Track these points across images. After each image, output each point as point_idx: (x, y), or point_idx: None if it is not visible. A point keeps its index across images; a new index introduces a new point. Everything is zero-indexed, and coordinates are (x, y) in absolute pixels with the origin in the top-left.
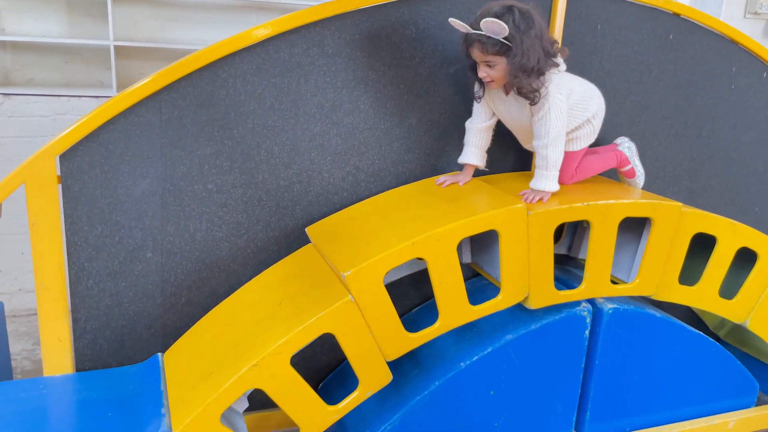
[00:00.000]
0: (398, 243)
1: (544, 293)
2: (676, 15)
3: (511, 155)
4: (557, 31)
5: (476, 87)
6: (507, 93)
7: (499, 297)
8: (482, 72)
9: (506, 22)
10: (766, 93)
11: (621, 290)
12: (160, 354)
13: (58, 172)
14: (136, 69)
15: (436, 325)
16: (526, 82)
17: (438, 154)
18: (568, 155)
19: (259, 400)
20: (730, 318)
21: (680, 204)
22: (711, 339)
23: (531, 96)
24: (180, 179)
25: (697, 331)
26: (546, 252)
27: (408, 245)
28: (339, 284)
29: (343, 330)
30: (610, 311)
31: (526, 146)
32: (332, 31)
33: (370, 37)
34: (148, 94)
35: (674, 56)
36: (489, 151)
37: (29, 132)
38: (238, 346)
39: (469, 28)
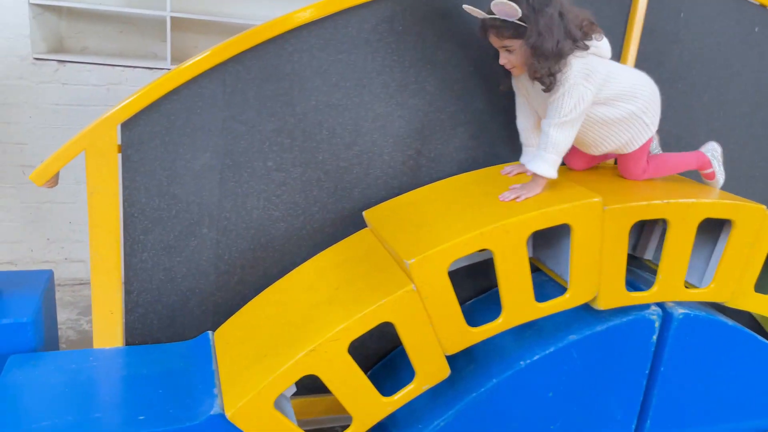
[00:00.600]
0: (465, 232)
1: (614, 294)
2: (764, 7)
3: None
4: (639, 16)
5: (502, 76)
6: (532, 79)
7: (567, 295)
8: (502, 59)
9: (519, 3)
10: None
11: (695, 295)
12: (210, 332)
13: (119, 141)
14: (191, 42)
15: (499, 320)
16: (540, 66)
17: (504, 142)
18: (627, 157)
19: (305, 386)
20: None
21: (764, 206)
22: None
23: (546, 81)
24: (240, 155)
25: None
26: (620, 250)
27: (476, 235)
28: (400, 272)
29: (403, 320)
30: (681, 316)
31: None
32: (404, 8)
33: (441, 14)
34: (212, 65)
35: (758, 51)
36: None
37: (83, 100)
38: (294, 329)
39: (483, 14)
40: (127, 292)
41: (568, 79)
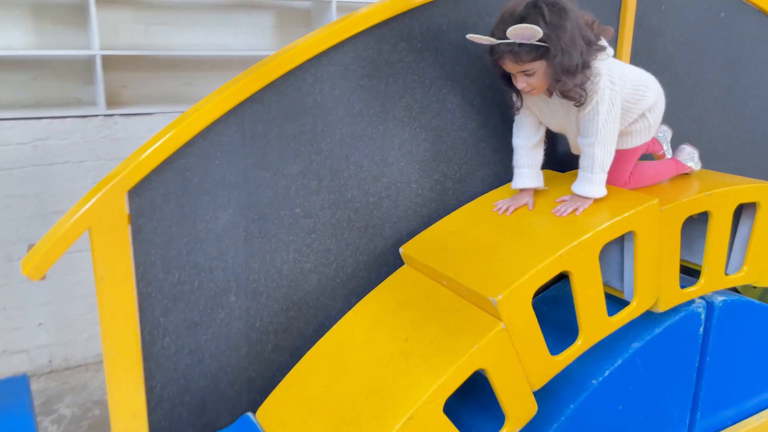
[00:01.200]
0: (541, 257)
1: (672, 294)
2: None
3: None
4: (630, 11)
5: (513, 98)
6: (550, 95)
7: (634, 303)
8: (521, 83)
9: (536, 23)
10: None
11: (734, 281)
12: (250, 413)
13: (128, 211)
14: (119, 82)
15: (578, 342)
16: (571, 83)
17: None
18: (620, 154)
19: None
20: None
21: None
22: None
23: (576, 95)
24: (265, 206)
25: None
26: (675, 249)
27: (555, 259)
28: (477, 310)
29: (496, 363)
30: (721, 304)
31: (576, 149)
32: (420, 23)
33: (457, 27)
34: (230, 108)
35: (726, 35)
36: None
37: (7, 163)
38: (372, 396)
39: (494, 40)
40: (149, 389)
41: (598, 87)
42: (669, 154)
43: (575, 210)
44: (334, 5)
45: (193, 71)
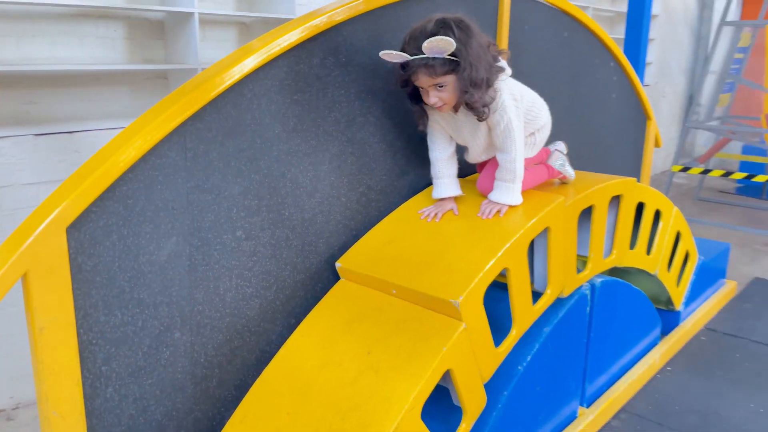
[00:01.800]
0: (485, 258)
1: (573, 279)
2: (569, 15)
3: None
4: (504, 32)
5: (418, 116)
6: (456, 111)
7: (549, 291)
8: (433, 98)
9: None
10: (612, 79)
11: (608, 263)
12: None
13: (68, 249)
14: None
15: (513, 332)
16: (477, 96)
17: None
18: None
19: None
20: (649, 270)
21: (633, 179)
22: (640, 290)
23: (482, 111)
24: (208, 230)
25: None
26: (575, 240)
27: (499, 258)
28: (434, 314)
29: (460, 362)
30: (600, 285)
31: (475, 160)
32: (345, 37)
33: (375, 42)
34: (172, 128)
35: (568, 52)
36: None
37: None
38: (349, 414)
39: (407, 56)
40: None
41: (504, 104)
42: (570, 173)
43: (498, 212)
44: (196, 16)
45: (36, 88)
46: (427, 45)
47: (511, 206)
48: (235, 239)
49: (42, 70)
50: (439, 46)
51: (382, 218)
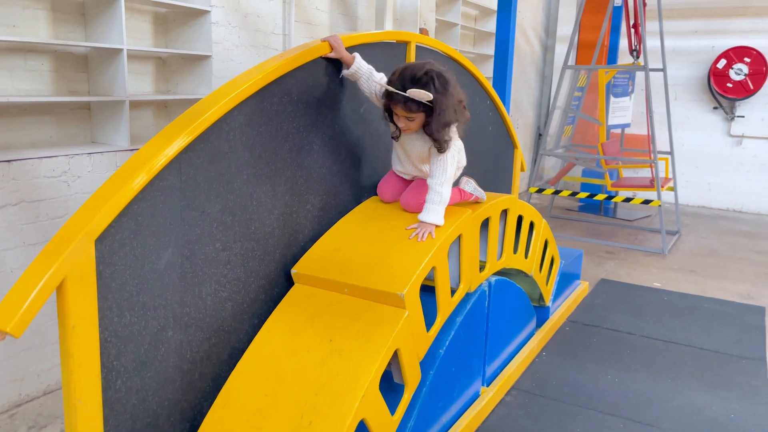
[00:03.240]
0: (419, 260)
1: (477, 276)
2: (455, 60)
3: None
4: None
5: (393, 128)
6: (434, 140)
7: (461, 286)
8: (402, 123)
9: (428, 88)
10: (489, 114)
11: (500, 264)
12: None
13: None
14: None
15: (438, 318)
16: (444, 134)
17: (358, 183)
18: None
19: None
20: (526, 270)
21: (515, 196)
22: (521, 288)
23: (444, 146)
24: (195, 243)
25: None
26: (477, 243)
27: (429, 259)
28: (382, 306)
29: (405, 342)
30: (494, 282)
31: (401, 170)
32: (297, 81)
33: (319, 85)
34: (172, 156)
35: None
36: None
37: None
38: (321, 389)
39: (398, 91)
40: None
41: (452, 144)
42: (480, 195)
43: (430, 234)
44: (125, 52)
45: None
46: (410, 92)
47: (437, 226)
48: (215, 250)
49: None
50: (419, 95)
51: (325, 231)
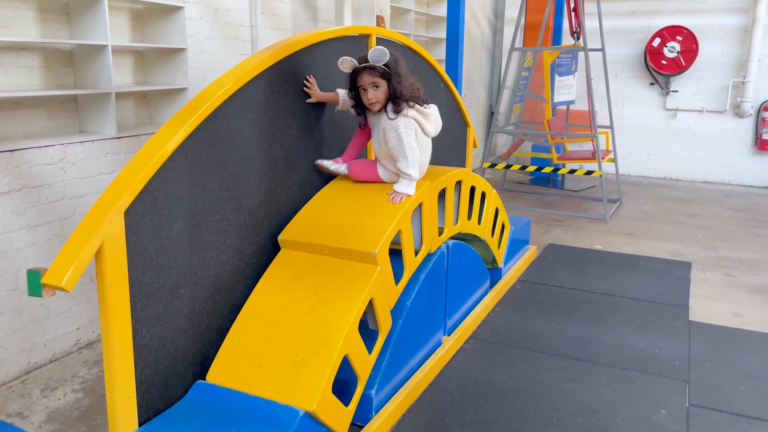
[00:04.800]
0: (388, 223)
1: (436, 239)
2: (411, 48)
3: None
4: None
5: (361, 118)
6: (379, 111)
7: (423, 248)
8: (370, 94)
9: (384, 57)
10: (443, 96)
11: (456, 229)
12: (200, 381)
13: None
14: None
15: (405, 273)
16: (401, 102)
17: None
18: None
19: None
20: (480, 235)
21: (468, 169)
22: (476, 251)
23: (394, 111)
24: (199, 214)
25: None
26: (435, 211)
27: (396, 223)
28: (359, 263)
29: (378, 293)
30: (452, 245)
31: (374, 152)
32: (277, 74)
33: (297, 75)
34: (180, 142)
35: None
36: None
37: None
38: (312, 330)
39: (357, 63)
40: (136, 374)
41: (398, 123)
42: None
43: (401, 198)
44: (109, 48)
45: None
46: (370, 53)
47: (408, 195)
48: (215, 221)
49: None
50: (377, 52)
51: (305, 203)
